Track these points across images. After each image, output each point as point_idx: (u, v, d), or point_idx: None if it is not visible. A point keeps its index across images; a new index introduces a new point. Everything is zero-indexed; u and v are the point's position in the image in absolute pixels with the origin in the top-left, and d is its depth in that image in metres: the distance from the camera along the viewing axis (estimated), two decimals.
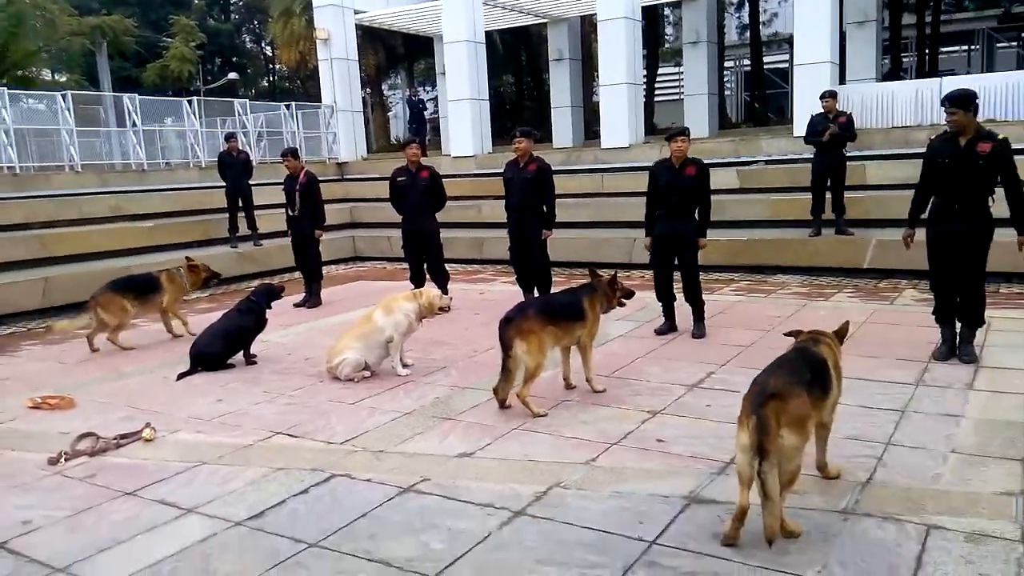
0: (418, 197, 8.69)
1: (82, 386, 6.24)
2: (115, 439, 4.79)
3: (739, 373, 5.49)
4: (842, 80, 14.93)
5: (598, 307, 5.44)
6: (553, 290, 8.06)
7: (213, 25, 37.70)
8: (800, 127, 11.59)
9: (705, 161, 7.18)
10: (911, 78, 22.09)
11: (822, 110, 10.08)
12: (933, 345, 5.98)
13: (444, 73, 17.46)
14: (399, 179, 8.82)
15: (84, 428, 4.91)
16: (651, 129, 20.70)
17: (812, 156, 10.29)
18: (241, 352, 6.75)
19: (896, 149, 11.70)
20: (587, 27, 21.42)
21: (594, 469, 4.12)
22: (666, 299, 7.18)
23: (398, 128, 32.89)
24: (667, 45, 33.32)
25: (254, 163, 13.36)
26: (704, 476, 3.94)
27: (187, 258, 8.38)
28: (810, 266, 10.02)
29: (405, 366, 6.20)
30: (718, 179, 11.27)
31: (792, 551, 3.17)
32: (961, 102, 5.49)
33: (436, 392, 5.67)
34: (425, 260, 8.93)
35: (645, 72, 20.40)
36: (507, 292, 9.22)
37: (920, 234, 5.92)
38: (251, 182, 12.49)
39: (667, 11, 30.14)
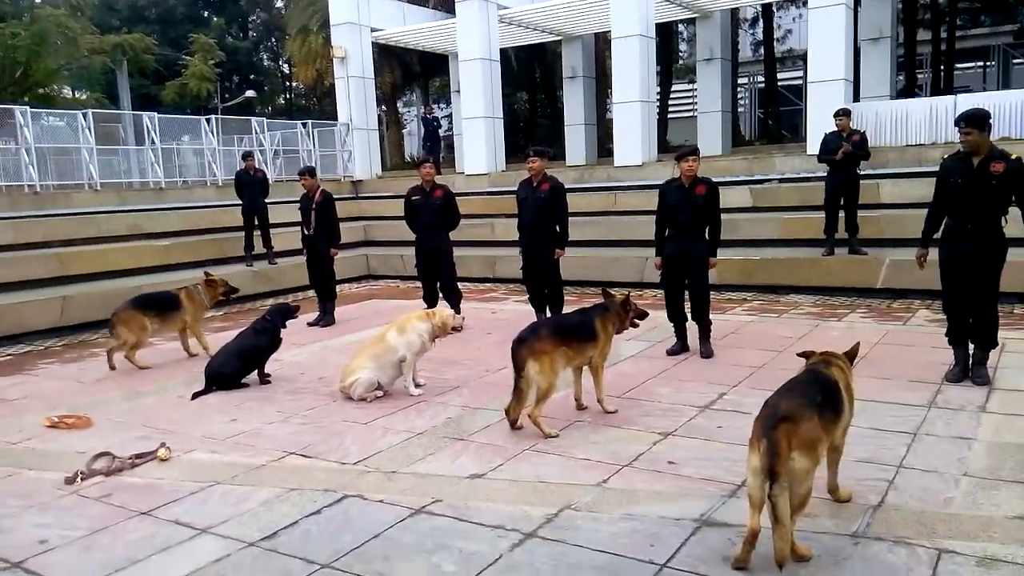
0: (431, 216, 8.75)
1: (99, 405, 6.31)
2: (131, 459, 4.84)
3: (750, 394, 5.49)
4: (856, 97, 14.94)
5: (610, 328, 5.46)
6: (565, 309, 8.10)
7: (231, 43, 38.23)
8: (814, 145, 11.60)
9: (718, 179, 7.22)
10: (926, 95, 22.06)
11: (836, 128, 10.08)
12: (946, 366, 5.96)
13: (459, 91, 17.61)
14: (413, 198, 8.89)
15: (101, 447, 4.97)
16: (664, 146, 20.76)
17: (825, 175, 10.29)
18: (255, 371, 6.81)
19: (910, 167, 11.66)
20: (601, 44, 21.54)
21: (605, 491, 4.13)
22: (677, 319, 7.20)
23: (413, 146, 33.11)
24: (681, 62, 33.43)
25: (270, 181, 13.49)
26: (715, 499, 3.94)
27: (206, 272, 8.49)
28: (823, 286, 10.00)
29: (418, 386, 6.24)
30: (731, 197, 11.38)
31: (803, 575, 3.16)
32: (977, 121, 5.50)
33: (448, 412, 5.69)
34: (438, 279, 8.98)
35: (659, 89, 20.50)
36: (519, 311, 9.25)
37: (933, 254, 5.92)
38: (267, 200, 12.62)
39: (681, 28, 30.29)
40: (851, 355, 3.91)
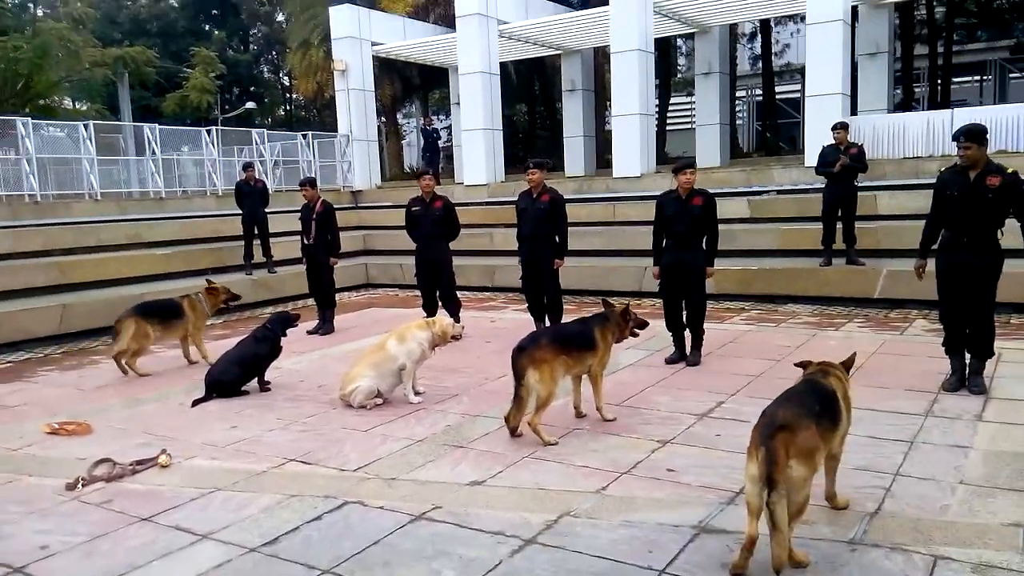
0: (431, 226, 8.81)
1: (99, 412, 6.32)
2: (131, 465, 4.85)
3: (748, 403, 5.52)
4: (854, 111, 15.05)
5: (610, 337, 5.49)
6: (564, 318, 8.14)
7: (232, 56, 38.40)
8: (811, 157, 11.68)
9: (717, 190, 7.28)
10: (923, 109, 22.19)
11: (834, 141, 10.16)
12: (943, 376, 6.00)
13: (459, 103, 17.71)
14: (413, 208, 8.95)
15: (101, 454, 4.98)
16: (662, 158, 20.84)
17: (823, 187, 10.36)
18: (255, 379, 6.83)
19: (907, 180, 11.75)
20: (600, 58, 21.68)
21: (604, 498, 4.16)
22: (676, 328, 7.24)
23: (412, 156, 33.22)
24: (679, 75, 33.60)
25: (270, 191, 13.54)
26: (713, 506, 3.96)
27: (208, 280, 8.53)
28: (821, 296, 10.05)
29: (417, 394, 6.27)
30: (729, 208, 11.44)
31: None
32: (975, 136, 5.56)
33: (448, 420, 5.72)
34: (437, 288, 9.02)
35: (657, 102, 20.59)
36: (518, 320, 9.29)
37: (930, 264, 5.97)
38: (267, 210, 12.68)
39: (680, 42, 30.45)
40: (848, 365, 3.95)
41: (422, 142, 23.06)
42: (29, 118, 13.66)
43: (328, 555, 3.61)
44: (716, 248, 7.16)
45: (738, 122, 29.93)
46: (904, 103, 23.47)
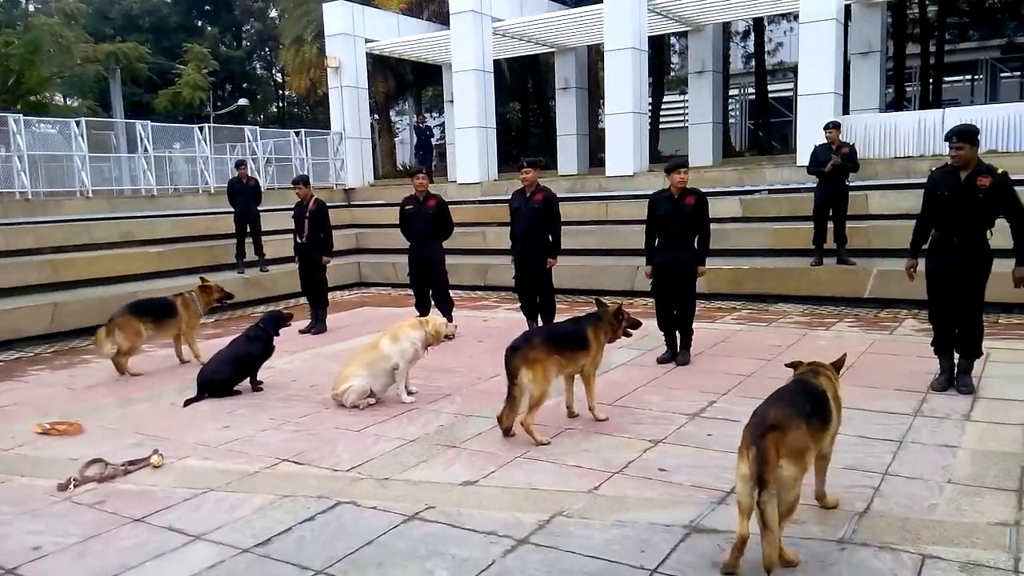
0: (424, 225, 8.81)
1: (90, 412, 6.31)
2: (123, 465, 4.85)
3: (740, 403, 5.55)
4: (846, 110, 15.08)
5: (603, 337, 5.51)
6: (556, 317, 8.16)
7: (225, 52, 38.25)
8: (804, 156, 11.71)
9: (709, 189, 7.31)
10: (915, 108, 22.27)
11: (826, 140, 10.20)
12: (932, 375, 6.04)
13: (452, 100, 17.70)
14: (407, 207, 8.96)
15: (93, 454, 4.97)
16: (655, 157, 20.88)
17: (815, 186, 10.40)
18: (248, 379, 6.82)
19: (899, 179, 11.80)
20: (594, 56, 21.69)
21: (596, 498, 4.18)
22: (668, 328, 7.27)
23: (405, 154, 33.19)
24: (672, 73, 33.62)
25: (263, 189, 13.52)
26: (705, 505, 3.99)
27: (201, 278, 8.52)
28: (811, 295, 10.09)
29: (410, 393, 6.27)
30: (721, 207, 11.48)
31: None
32: (968, 136, 5.59)
33: (440, 420, 5.73)
34: (430, 287, 9.02)
35: (650, 100, 20.64)
36: (511, 320, 9.30)
37: (920, 264, 6.00)
38: (259, 208, 12.66)
39: (673, 41, 30.47)
40: (838, 365, 3.98)
41: (415, 140, 23.04)
42: (20, 115, 13.57)
43: (321, 555, 3.62)
44: (708, 247, 7.19)
45: (731, 121, 29.98)
46: (896, 102, 23.56)
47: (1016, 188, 5.67)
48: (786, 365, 4.07)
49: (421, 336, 6.24)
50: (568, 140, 19.67)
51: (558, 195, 8.51)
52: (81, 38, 26.78)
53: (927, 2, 24.48)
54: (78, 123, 14.03)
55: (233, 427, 5.75)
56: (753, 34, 27.83)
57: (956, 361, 5.92)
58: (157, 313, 7.68)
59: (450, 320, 7.59)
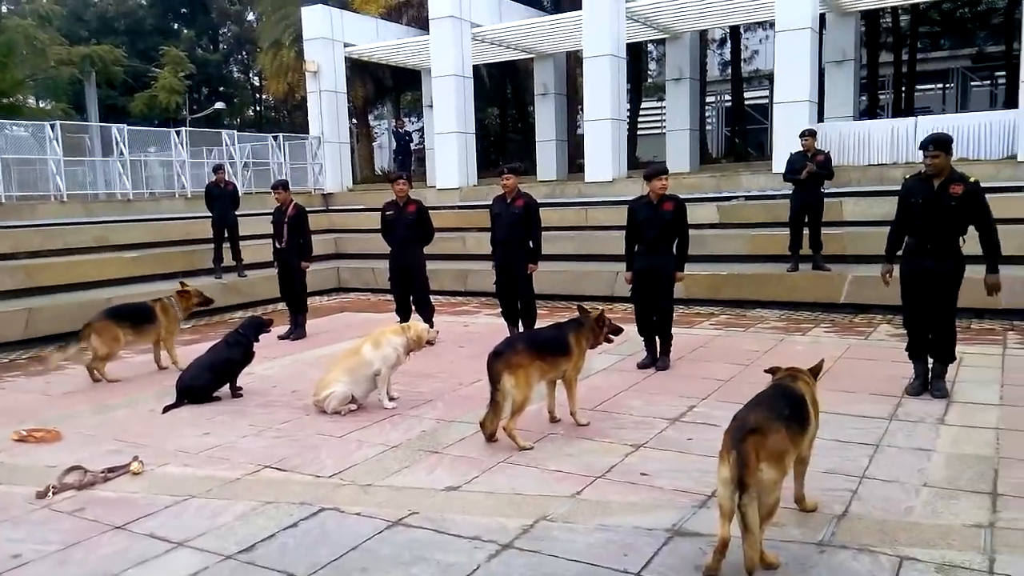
0: (404, 231, 8.81)
1: (68, 418, 6.23)
2: (103, 472, 4.81)
3: (719, 407, 5.61)
4: (820, 118, 15.30)
5: (584, 342, 5.55)
6: (537, 323, 8.19)
7: (201, 55, 37.92)
8: (779, 163, 11.87)
9: (687, 196, 7.40)
10: (888, 116, 22.61)
11: (801, 148, 10.34)
12: (906, 380, 6.15)
13: (431, 105, 17.71)
14: (387, 213, 8.95)
15: (71, 461, 4.93)
16: (633, 163, 21.03)
17: (791, 193, 10.54)
18: (227, 385, 6.78)
19: (873, 186, 11.99)
20: (572, 63, 21.80)
21: (579, 502, 4.21)
22: (648, 333, 7.33)
23: (383, 159, 33.11)
24: (650, 80, 33.87)
25: (240, 193, 13.43)
26: (687, 509, 4.03)
27: (181, 283, 8.46)
28: (788, 301, 10.22)
29: (392, 399, 6.27)
30: (699, 214, 11.58)
31: None
32: (943, 145, 5.70)
33: (423, 425, 5.74)
34: (411, 293, 9.02)
35: (628, 106, 20.75)
36: (492, 325, 9.32)
37: (895, 270, 6.10)
38: (237, 212, 12.58)
39: (651, 48, 30.70)
40: (815, 371, 4.05)
41: (394, 145, 23.00)
42: None
43: (305, 562, 3.61)
44: (687, 253, 7.26)
45: (707, 127, 30.26)
46: (869, 110, 23.92)
47: (987, 195, 5.80)
48: (765, 371, 4.13)
49: (403, 342, 6.25)
50: (547, 146, 19.77)
51: (538, 200, 8.56)
52: (55, 40, 26.49)
53: (900, 12, 24.89)
54: (53, 126, 13.88)
55: (213, 433, 5.71)
56: (729, 42, 28.15)
57: (930, 366, 6.03)
58: (136, 318, 7.61)
59: (431, 326, 7.59)
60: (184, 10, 40.22)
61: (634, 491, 4.33)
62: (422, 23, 20.02)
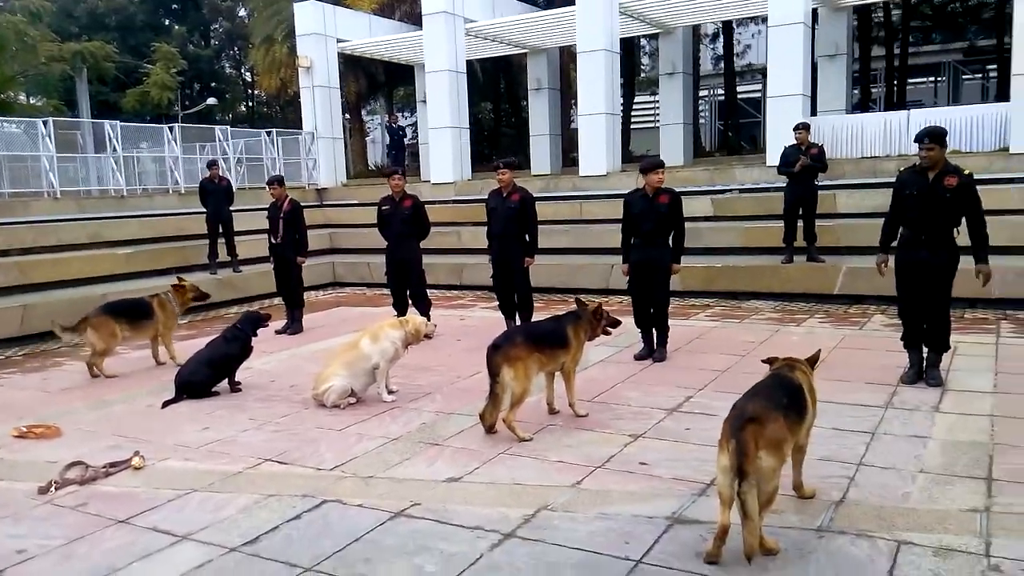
0: (400, 225, 8.83)
1: (66, 414, 6.24)
2: (104, 467, 4.82)
3: (716, 397, 5.66)
4: (813, 111, 15.35)
5: (582, 335, 5.59)
6: (534, 316, 8.23)
7: (193, 51, 37.76)
8: (773, 157, 11.91)
9: (681, 189, 7.43)
10: (880, 109, 22.69)
11: (795, 141, 10.39)
12: (901, 369, 6.21)
13: (425, 100, 17.69)
14: (383, 207, 8.97)
15: (71, 457, 4.94)
16: (627, 157, 21.05)
17: (784, 186, 10.59)
18: (226, 380, 6.79)
19: (866, 179, 12.04)
20: (566, 57, 21.78)
21: (580, 492, 4.25)
22: (644, 325, 7.37)
23: (376, 153, 33.05)
24: (643, 75, 33.90)
25: (234, 189, 13.41)
26: (686, 497, 4.07)
27: (178, 278, 8.47)
28: (783, 292, 10.29)
29: (390, 392, 6.30)
30: (693, 207, 11.61)
31: (771, 568, 3.32)
32: (938, 138, 5.75)
33: (422, 418, 5.76)
34: (408, 287, 9.04)
35: (622, 101, 20.78)
36: (488, 318, 9.36)
37: (889, 260, 6.16)
38: (232, 208, 12.56)
39: (644, 43, 30.73)
40: (812, 361, 4.09)
41: (387, 139, 22.98)
42: None
43: (309, 553, 3.64)
44: (683, 246, 7.30)
45: (701, 121, 30.30)
46: (862, 103, 23.99)
47: (980, 187, 5.85)
48: (763, 360, 4.17)
49: (401, 335, 6.27)
50: (541, 140, 19.76)
51: (533, 195, 8.58)
52: (46, 36, 26.29)
53: (892, 6, 24.96)
54: (45, 123, 13.82)
55: (213, 428, 5.73)
56: (722, 36, 28.18)
57: (925, 355, 6.09)
58: (133, 314, 7.60)
59: (428, 319, 7.62)
60: (175, 6, 40.03)
61: (633, 480, 4.37)
62: (415, 18, 20.00)
